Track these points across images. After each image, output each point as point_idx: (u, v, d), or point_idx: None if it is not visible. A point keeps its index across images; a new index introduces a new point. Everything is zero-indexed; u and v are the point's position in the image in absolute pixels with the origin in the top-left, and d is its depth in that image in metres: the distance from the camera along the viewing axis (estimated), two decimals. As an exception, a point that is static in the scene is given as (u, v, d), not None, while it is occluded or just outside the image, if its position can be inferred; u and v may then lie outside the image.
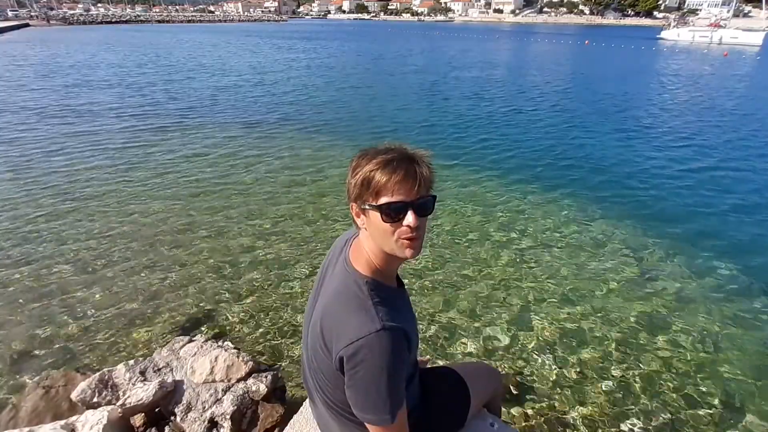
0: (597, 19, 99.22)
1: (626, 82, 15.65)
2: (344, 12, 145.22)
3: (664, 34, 46.00)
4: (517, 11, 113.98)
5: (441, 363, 2.71)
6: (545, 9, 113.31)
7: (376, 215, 0.89)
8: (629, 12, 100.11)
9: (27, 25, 52.06)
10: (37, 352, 2.76)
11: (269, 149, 7.11)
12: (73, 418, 1.83)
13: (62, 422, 1.77)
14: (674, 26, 46.61)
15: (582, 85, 15.01)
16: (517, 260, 3.92)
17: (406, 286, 1.13)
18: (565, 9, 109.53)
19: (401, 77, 16.06)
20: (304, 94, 12.09)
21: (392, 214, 0.88)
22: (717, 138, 8.18)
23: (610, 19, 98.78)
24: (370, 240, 0.96)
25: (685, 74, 18.04)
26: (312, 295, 1.13)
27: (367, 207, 0.90)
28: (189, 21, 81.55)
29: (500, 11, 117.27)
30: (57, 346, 2.81)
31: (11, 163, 6.14)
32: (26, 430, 1.67)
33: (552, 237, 4.36)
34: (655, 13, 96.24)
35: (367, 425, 0.96)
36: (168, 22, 76.41)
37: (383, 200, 0.88)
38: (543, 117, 9.85)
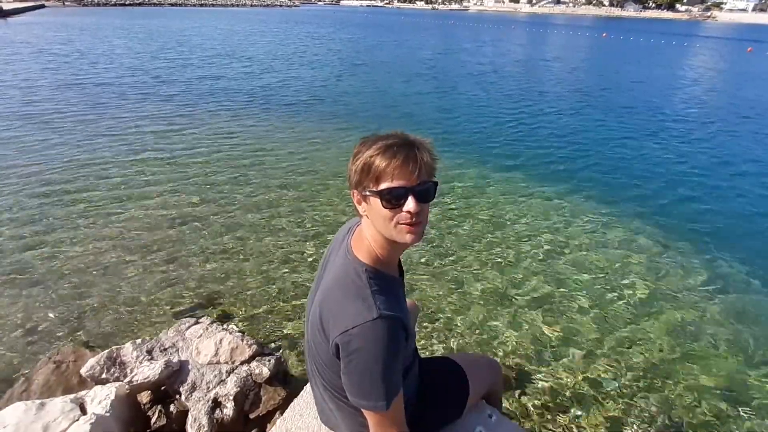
0: (616, 11, 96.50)
1: None
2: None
3: None
4: (534, 1, 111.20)
5: (441, 353, 2.73)
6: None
7: (376, 201, 0.89)
8: (650, 4, 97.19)
9: (42, 6, 52.38)
10: (48, 328, 2.84)
11: (283, 137, 7.11)
12: (83, 392, 1.88)
13: (72, 396, 1.82)
14: None
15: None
16: (525, 256, 3.89)
17: (412, 274, 1.14)
18: (583, 0, 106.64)
19: (436, 78, 13.54)
20: (336, 88, 11.52)
21: (392, 199, 0.87)
22: None
23: (630, 11, 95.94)
24: (371, 227, 0.96)
25: None
26: (315, 282, 1.14)
27: (367, 193, 0.90)
28: (201, 5, 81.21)
29: (516, 0, 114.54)
30: (68, 323, 2.89)
31: (35, 147, 6.23)
32: (38, 402, 1.72)
33: (560, 236, 4.32)
34: (677, 5, 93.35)
35: (363, 411, 0.97)
36: (181, 5, 76.22)
37: (383, 186, 0.87)
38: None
